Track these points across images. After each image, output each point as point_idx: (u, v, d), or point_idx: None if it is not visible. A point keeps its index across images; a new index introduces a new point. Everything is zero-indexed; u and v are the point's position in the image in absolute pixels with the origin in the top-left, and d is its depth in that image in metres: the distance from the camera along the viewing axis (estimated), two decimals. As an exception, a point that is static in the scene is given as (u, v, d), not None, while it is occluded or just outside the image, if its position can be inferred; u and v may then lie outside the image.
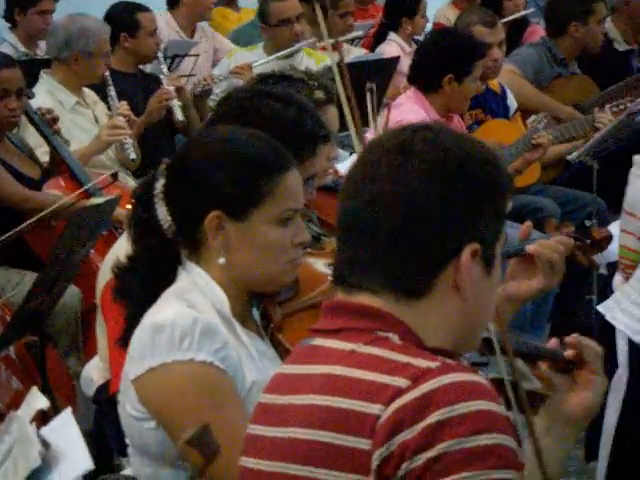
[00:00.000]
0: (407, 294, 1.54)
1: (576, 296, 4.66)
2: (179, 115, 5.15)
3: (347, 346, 1.52)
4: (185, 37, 6.35)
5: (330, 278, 2.24)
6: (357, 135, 2.90)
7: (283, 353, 2.11)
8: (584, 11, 5.33)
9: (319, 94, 3.02)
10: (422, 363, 1.47)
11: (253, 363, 2.02)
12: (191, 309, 1.99)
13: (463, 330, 1.58)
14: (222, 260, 2.04)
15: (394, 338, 1.52)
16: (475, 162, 1.55)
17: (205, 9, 6.52)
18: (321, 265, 2.34)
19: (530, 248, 2.20)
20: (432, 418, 1.42)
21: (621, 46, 5.69)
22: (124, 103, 4.74)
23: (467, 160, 1.55)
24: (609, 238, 2.49)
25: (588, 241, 2.46)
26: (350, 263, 1.57)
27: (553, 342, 1.83)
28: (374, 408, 1.45)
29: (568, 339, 1.78)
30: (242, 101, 2.51)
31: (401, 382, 1.45)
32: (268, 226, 2.06)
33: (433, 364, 1.47)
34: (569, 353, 1.75)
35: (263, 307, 2.17)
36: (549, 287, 2.26)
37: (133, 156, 4.69)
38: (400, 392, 1.44)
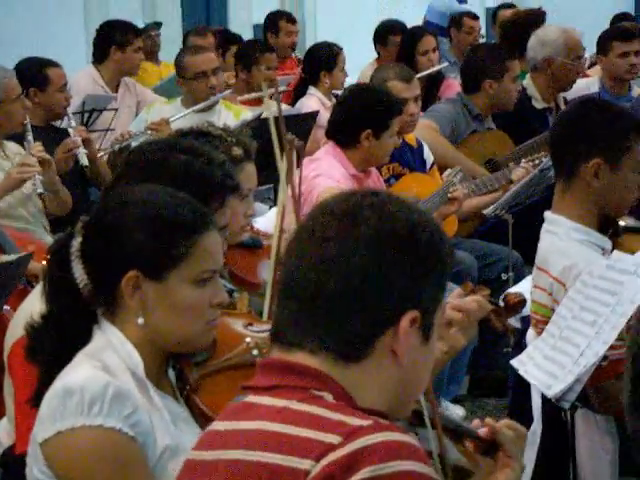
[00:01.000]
0: (345, 357, 1.55)
1: (493, 349, 4.70)
2: (84, 161, 5.12)
3: (280, 403, 1.53)
4: (110, 92, 6.33)
5: (248, 340, 2.24)
6: (285, 187, 2.92)
7: (198, 415, 2.09)
8: (498, 69, 5.41)
9: (237, 151, 3.03)
10: (355, 421, 1.48)
11: (166, 427, 2.00)
12: (104, 372, 1.97)
13: (397, 396, 1.60)
14: (140, 320, 2.03)
15: (328, 397, 1.53)
16: (422, 231, 1.58)
17: (133, 66, 6.52)
18: (239, 325, 2.33)
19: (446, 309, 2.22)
20: (362, 474, 1.43)
21: (539, 104, 5.77)
22: (39, 144, 4.70)
23: (414, 228, 1.58)
24: (523, 302, 2.52)
25: (502, 305, 2.49)
26: (290, 322, 1.58)
27: (476, 423, 1.86)
28: (305, 463, 1.45)
29: (486, 422, 1.83)
30: (149, 154, 2.51)
31: (333, 438, 1.46)
32: (186, 286, 2.06)
33: (365, 422, 1.48)
34: (486, 435, 1.78)
35: (179, 368, 2.16)
36: (461, 347, 2.29)
37: (40, 190, 4.63)
38: (331, 448, 1.45)
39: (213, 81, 5.62)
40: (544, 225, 3.18)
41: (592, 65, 7.25)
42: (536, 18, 7.05)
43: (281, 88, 6.55)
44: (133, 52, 6.48)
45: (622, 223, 3.26)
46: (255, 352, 2.20)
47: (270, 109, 6.03)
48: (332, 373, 1.55)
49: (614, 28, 6.73)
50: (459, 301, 2.27)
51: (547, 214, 3.17)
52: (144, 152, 2.54)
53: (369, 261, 1.54)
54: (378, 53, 7.82)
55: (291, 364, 1.56)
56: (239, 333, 2.28)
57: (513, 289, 4.02)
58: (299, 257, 1.59)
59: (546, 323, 2.96)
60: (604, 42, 6.15)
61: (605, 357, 2.76)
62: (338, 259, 1.55)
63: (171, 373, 2.16)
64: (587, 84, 6.31)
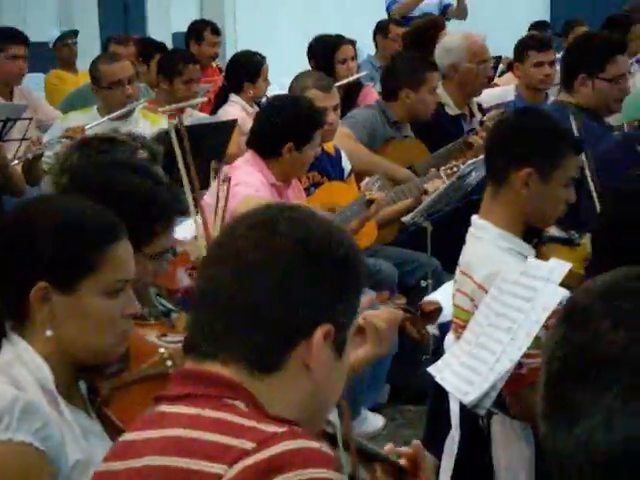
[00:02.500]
0: (258, 368, 1.55)
1: (413, 357, 4.71)
2: None
3: (192, 410, 1.52)
4: (4, 101, 6.24)
5: (162, 350, 2.22)
6: (193, 198, 2.89)
7: (111, 428, 2.07)
8: (416, 79, 5.44)
9: (142, 154, 3.00)
10: (269, 428, 1.48)
11: (76, 441, 1.97)
12: (12, 386, 1.93)
13: (309, 409, 1.59)
14: (49, 333, 1.99)
15: (241, 405, 1.52)
16: (339, 246, 1.59)
17: (9, 75, 6.38)
18: (153, 336, 2.31)
19: (360, 319, 2.22)
20: None
21: (452, 110, 5.81)
22: None
23: (331, 243, 1.58)
24: (439, 310, 2.53)
25: (418, 313, 2.50)
26: (205, 332, 1.57)
27: (389, 448, 1.88)
28: (217, 468, 1.44)
29: (404, 449, 1.84)
30: (93, 173, 2.48)
31: (247, 444, 1.45)
32: (97, 297, 2.02)
33: (280, 429, 1.48)
34: (404, 462, 1.80)
35: (90, 380, 2.13)
36: (377, 357, 2.29)
37: None
38: (245, 453, 1.44)
39: (129, 90, 5.57)
40: (470, 229, 3.19)
41: (508, 70, 7.35)
42: (435, 25, 7.14)
43: (203, 99, 6.54)
44: (7, 59, 6.34)
45: (547, 233, 3.30)
46: (169, 363, 2.18)
47: (192, 118, 6.02)
48: (245, 383, 1.54)
49: (530, 37, 6.81)
50: (371, 313, 2.27)
51: (474, 218, 3.18)
52: (87, 172, 2.51)
53: (284, 273, 1.55)
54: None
55: (205, 373, 1.55)
56: (153, 344, 2.26)
57: (432, 295, 4.05)
58: (216, 266, 1.59)
59: (466, 328, 2.98)
60: (520, 51, 6.22)
61: (521, 364, 2.78)
62: (253, 270, 1.55)
63: (82, 386, 2.12)
64: (504, 92, 6.39)
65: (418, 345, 4.59)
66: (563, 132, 3.17)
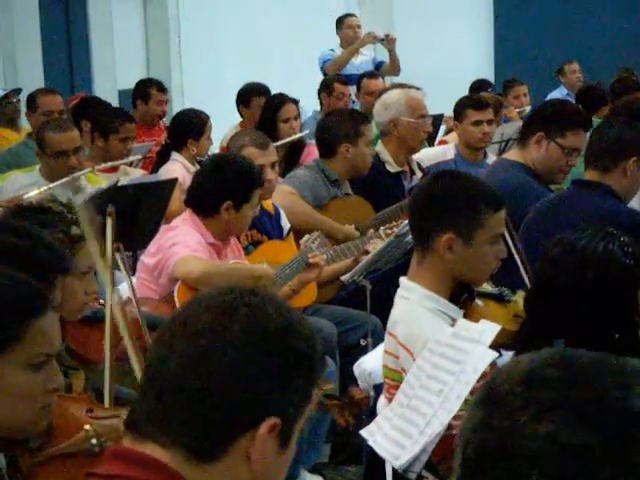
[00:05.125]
0: (198, 456, 1.51)
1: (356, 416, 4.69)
2: None
3: None
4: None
5: (87, 427, 2.18)
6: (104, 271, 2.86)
7: None
8: (353, 133, 5.47)
9: (76, 230, 2.98)
10: None
11: None
12: None
13: None
14: None
15: None
16: (296, 338, 1.55)
17: None
18: (79, 411, 2.27)
19: None
20: None
21: (392, 167, 5.82)
22: None
23: (289, 334, 1.54)
24: (367, 398, 2.52)
25: (346, 400, 2.48)
26: (148, 412, 1.54)
27: None
28: None
29: None
30: None
31: None
32: (18, 370, 1.97)
33: None
34: None
35: (11, 455, 2.08)
36: None
37: None
38: None
39: (73, 161, 5.54)
40: (398, 290, 3.20)
41: (450, 130, 7.42)
42: None
43: (137, 157, 6.54)
44: None
45: (478, 288, 3.31)
46: (94, 441, 2.14)
47: (128, 175, 6.01)
48: (182, 470, 1.50)
49: (469, 97, 6.89)
50: None
51: (402, 280, 3.19)
52: None
53: (236, 363, 1.50)
54: (241, 115, 7.86)
55: (139, 455, 1.51)
56: (78, 420, 2.21)
57: (371, 354, 4.05)
58: (167, 348, 1.54)
59: (397, 388, 2.97)
60: (459, 110, 6.29)
61: (451, 426, 2.77)
62: (205, 356, 1.51)
63: (2, 461, 2.07)
64: (444, 150, 6.44)
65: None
66: (480, 191, 3.14)
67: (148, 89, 8.04)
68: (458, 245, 3.06)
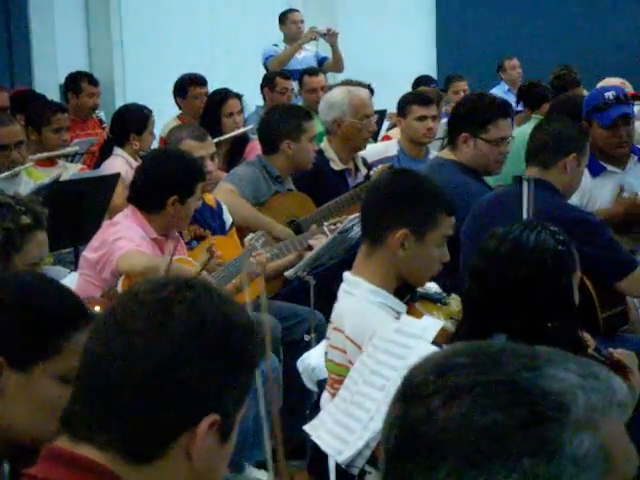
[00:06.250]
0: (136, 457, 1.48)
1: (296, 413, 4.70)
2: None
3: None
4: None
5: None
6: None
7: None
8: (295, 129, 5.46)
9: (26, 219, 2.96)
10: None
11: None
12: None
13: None
14: None
15: None
16: (234, 332, 1.52)
17: None
18: None
19: None
20: None
21: (336, 165, 5.83)
22: None
23: (226, 330, 1.51)
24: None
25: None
26: (84, 412, 1.51)
27: None
28: None
29: None
30: None
31: None
32: (51, 383, 1.93)
33: None
34: None
35: (17, 462, 2.00)
36: None
37: None
38: None
39: (14, 155, 5.48)
40: (342, 285, 3.22)
41: (394, 126, 7.45)
42: None
43: (75, 148, 6.48)
44: None
45: (422, 289, 3.34)
46: None
47: (69, 171, 5.97)
48: (120, 471, 1.48)
49: (414, 92, 6.92)
50: None
51: (346, 275, 3.22)
52: None
53: (174, 361, 1.47)
54: (179, 106, 7.84)
55: (75, 457, 1.48)
56: None
57: (314, 350, 4.06)
58: (102, 345, 1.52)
59: (341, 383, 2.98)
60: (403, 105, 6.31)
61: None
62: (141, 354, 1.48)
63: (6, 468, 2.03)
64: (386, 146, 6.46)
65: (302, 400, 4.61)
66: (438, 194, 3.21)
67: (79, 82, 8.01)
68: (410, 242, 3.11)
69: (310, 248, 4.96)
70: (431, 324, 2.83)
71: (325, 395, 3.21)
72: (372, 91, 6.64)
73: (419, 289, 3.29)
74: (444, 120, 7.13)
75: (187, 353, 1.48)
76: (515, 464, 1.08)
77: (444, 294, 3.33)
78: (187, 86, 7.77)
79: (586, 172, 4.90)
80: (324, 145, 5.86)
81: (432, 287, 3.43)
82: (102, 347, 1.51)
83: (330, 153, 5.82)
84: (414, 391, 1.16)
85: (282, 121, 5.52)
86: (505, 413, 1.09)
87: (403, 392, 1.18)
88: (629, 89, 6.60)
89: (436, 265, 3.19)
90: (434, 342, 2.76)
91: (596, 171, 5.17)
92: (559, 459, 1.08)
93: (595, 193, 5.15)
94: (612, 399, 1.14)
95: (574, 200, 4.76)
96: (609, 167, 5.20)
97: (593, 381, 1.14)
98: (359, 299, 3.12)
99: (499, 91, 10.04)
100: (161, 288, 1.53)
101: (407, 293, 3.21)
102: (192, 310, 1.51)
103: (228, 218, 5.11)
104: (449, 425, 1.10)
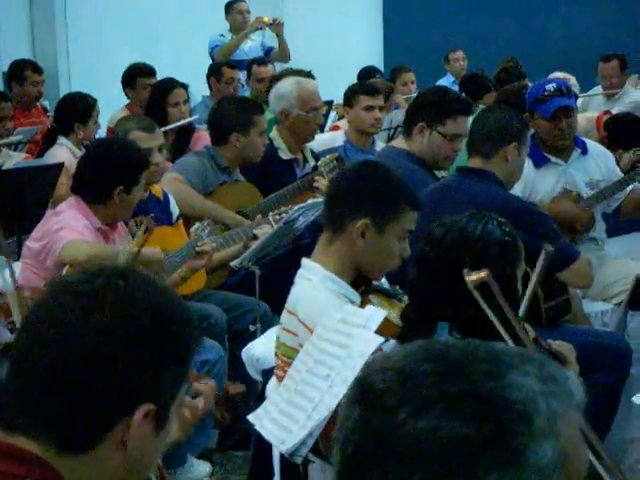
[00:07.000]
0: (70, 446, 1.48)
1: (241, 401, 4.69)
2: None
3: None
4: None
5: None
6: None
7: None
8: (245, 122, 5.45)
9: None
10: None
11: None
12: None
13: None
14: None
15: None
16: (167, 322, 1.52)
17: None
18: None
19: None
20: None
21: (285, 154, 5.82)
22: None
23: (158, 320, 1.51)
24: (242, 393, 2.53)
25: (221, 395, 2.48)
26: (17, 403, 1.49)
27: None
28: None
29: None
30: None
31: None
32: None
33: None
34: None
35: None
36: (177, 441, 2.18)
37: None
38: None
39: None
40: (299, 271, 3.23)
41: (342, 117, 7.45)
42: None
43: (19, 137, 6.43)
44: None
45: (376, 283, 3.34)
46: None
47: (12, 159, 5.90)
48: (53, 461, 1.47)
49: (361, 83, 6.92)
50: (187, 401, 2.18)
51: (304, 260, 3.23)
52: None
53: (104, 351, 1.47)
54: (127, 96, 7.79)
55: (9, 448, 1.47)
56: None
57: (259, 340, 4.05)
58: (34, 335, 1.50)
59: (289, 365, 2.98)
60: (351, 95, 6.32)
61: (337, 409, 2.79)
62: (72, 344, 1.47)
63: None
64: (333, 137, 6.46)
65: (248, 389, 4.61)
66: (403, 188, 3.23)
67: (23, 70, 7.94)
68: (371, 232, 3.13)
69: (255, 238, 4.95)
70: (375, 314, 2.84)
71: (272, 382, 3.20)
72: (312, 77, 6.62)
73: (375, 282, 3.30)
74: (394, 112, 7.17)
75: (117, 343, 1.47)
76: (483, 478, 1.07)
77: (400, 291, 3.34)
78: (136, 76, 7.71)
79: (529, 163, 4.95)
80: (273, 134, 5.85)
81: (385, 284, 3.44)
82: (33, 336, 1.51)
83: (279, 142, 5.82)
84: (377, 399, 1.13)
85: (232, 113, 5.50)
86: (472, 427, 1.09)
87: (362, 395, 1.15)
88: (573, 83, 6.67)
89: (395, 259, 3.20)
90: (382, 335, 2.76)
91: (539, 162, 5.21)
92: (524, 470, 1.08)
93: (538, 184, 5.19)
94: (570, 401, 1.15)
95: (517, 190, 4.80)
96: (552, 158, 5.24)
97: (552, 385, 1.14)
98: (315, 285, 3.13)
99: (445, 83, 10.09)
100: (93, 278, 1.53)
101: (362, 285, 3.22)
102: (123, 300, 1.50)
103: (175, 210, 5.08)
104: (416, 438, 1.09)
